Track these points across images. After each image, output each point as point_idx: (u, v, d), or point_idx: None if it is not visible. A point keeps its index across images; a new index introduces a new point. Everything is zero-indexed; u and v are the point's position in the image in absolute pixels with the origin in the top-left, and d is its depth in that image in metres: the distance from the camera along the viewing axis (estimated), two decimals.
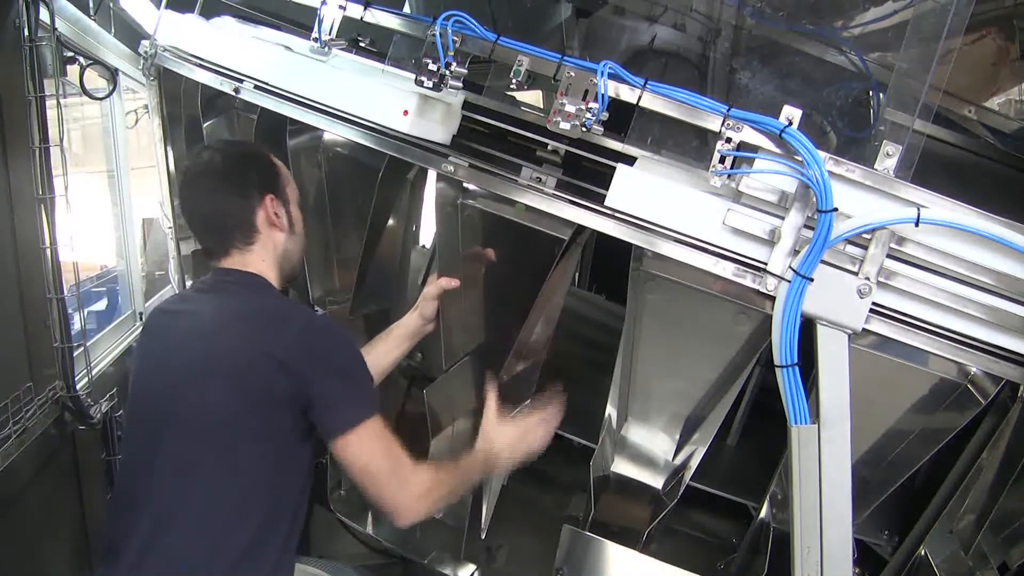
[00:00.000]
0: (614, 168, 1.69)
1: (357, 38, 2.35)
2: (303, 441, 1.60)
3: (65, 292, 2.22)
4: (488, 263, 2.04)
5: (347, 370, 1.60)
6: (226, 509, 1.52)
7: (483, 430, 1.83)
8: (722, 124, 1.60)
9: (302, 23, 2.32)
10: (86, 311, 2.52)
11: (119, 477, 1.81)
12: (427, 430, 2.11)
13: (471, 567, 2.27)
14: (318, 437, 1.61)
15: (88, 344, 2.47)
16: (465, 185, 1.91)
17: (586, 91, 1.67)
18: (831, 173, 1.51)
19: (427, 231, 2.83)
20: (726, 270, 1.63)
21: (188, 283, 2.66)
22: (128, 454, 1.70)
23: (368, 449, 1.55)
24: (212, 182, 1.71)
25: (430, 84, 1.78)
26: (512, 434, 1.83)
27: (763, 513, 2.01)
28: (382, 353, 2.03)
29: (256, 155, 1.77)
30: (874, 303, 1.56)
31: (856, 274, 1.55)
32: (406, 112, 1.85)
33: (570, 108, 1.67)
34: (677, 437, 2.05)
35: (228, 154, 1.74)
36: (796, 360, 1.59)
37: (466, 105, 1.92)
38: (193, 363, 1.56)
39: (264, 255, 1.69)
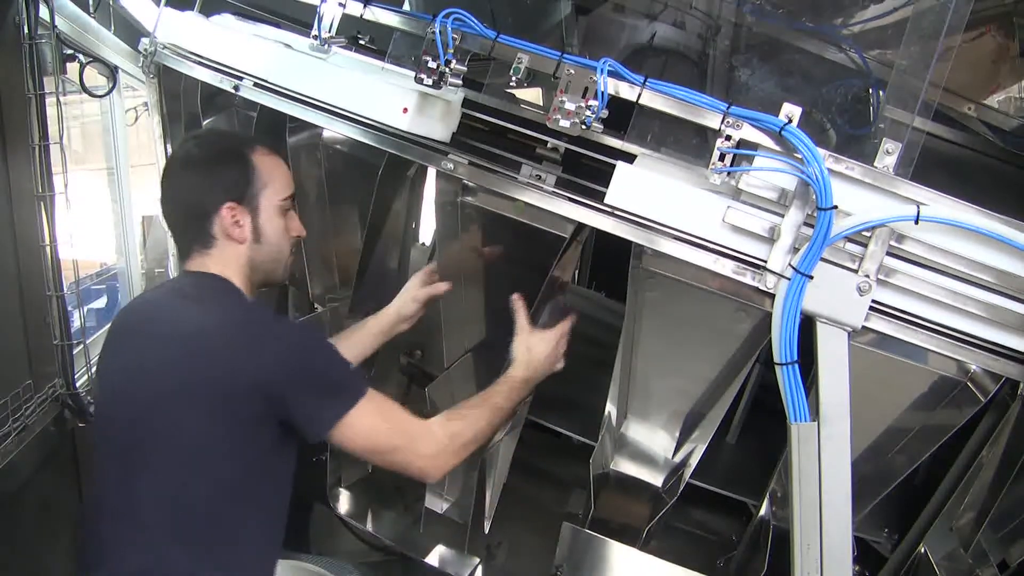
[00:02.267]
0: (614, 166, 1.69)
1: (357, 36, 2.35)
2: (281, 450, 1.57)
3: (65, 290, 2.22)
4: (488, 261, 2.04)
5: (322, 375, 1.55)
6: (204, 526, 1.49)
7: (522, 340, 1.82)
8: (722, 122, 1.60)
9: (302, 21, 2.32)
10: (86, 309, 2.52)
11: (94, 489, 1.70)
12: None
13: (473, 562, 2.28)
14: (301, 441, 1.58)
15: (88, 342, 2.47)
16: (465, 183, 1.91)
17: (586, 88, 1.67)
18: (831, 171, 1.51)
19: (427, 229, 2.83)
20: (726, 267, 1.63)
21: None
22: (100, 471, 1.62)
23: (364, 432, 1.53)
24: (179, 177, 1.64)
25: (430, 82, 1.78)
26: (551, 339, 1.83)
27: (763, 511, 2.01)
28: (353, 345, 1.99)
29: (230, 155, 1.64)
30: (874, 301, 1.56)
31: (856, 272, 1.55)
32: (406, 110, 1.85)
33: (570, 106, 1.67)
34: (677, 435, 2.05)
35: (202, 149, 1.66)
36: (796, 358, 1.59)
37: (466, 103, 1.92)
38: (162, 386, 1.49)
39: (224, 263, 1.61)
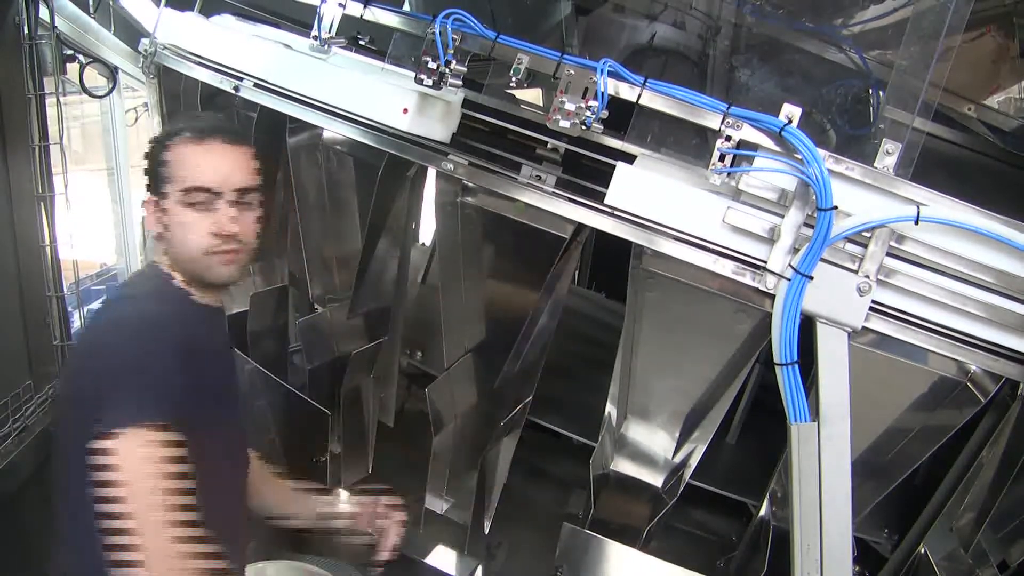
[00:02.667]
0: (614, 166, 1.69)
1: (357, 36, 2.35)
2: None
3: (65, 290, 2.22)
4: (488, 261, 2.03)
5: (103, 372, 1.31)
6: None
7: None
8: (722, 122, 1.60)
9: (302, 21, 2.32)
10: (86, 309, 2.52)
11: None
12: (429, 428, 2.11)
13: (473, 562, 2.27)
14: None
15: None
16: (465, 183, 1.91)
17: (586, 89, 1.67)
18: (831, 171, 1.51)
19: (427, 229, 2.83)
20: (726, 268, 1.63)
21: None
22: None
23: (119, 464, 1.23)
24: None
25: (430, 82, 1.78)
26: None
27: (763, 511, 2.01)
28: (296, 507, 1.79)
29: (151, 148, 1.51)
30: (874, 301, 1.56)
31: (856, 272, 1.55)
32: (406, 110, 1.85)
33: (570, 106, 1.67)
34: (677, 435, 2.06)
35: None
36: (796, 358, 1.59)
37: (466, 103, 1.92)
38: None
39: (160, 253, 1.51)
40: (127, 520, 1.22)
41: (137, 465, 1.24)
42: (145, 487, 1.24)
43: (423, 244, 2.88)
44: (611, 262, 2.06)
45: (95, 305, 1.55)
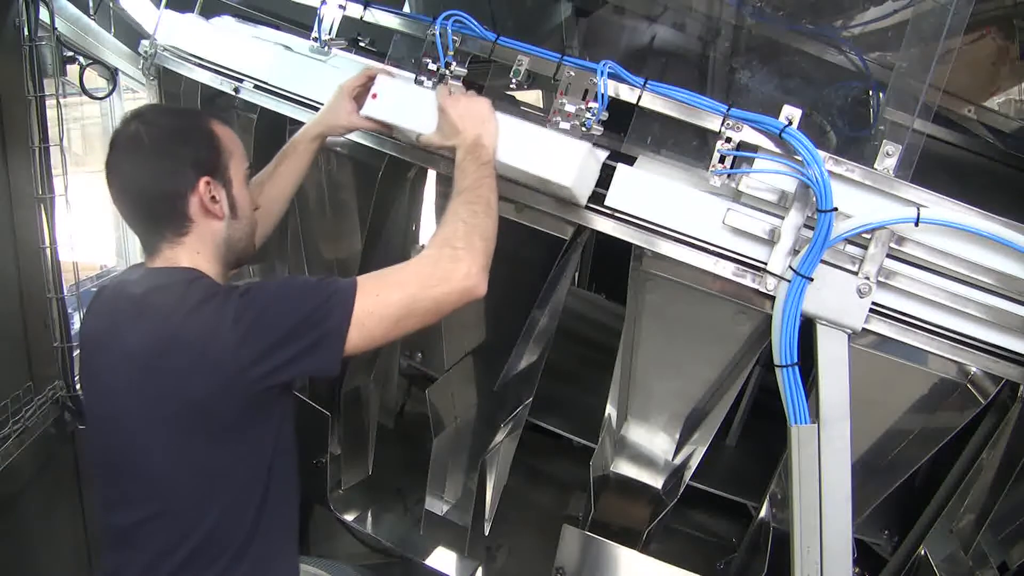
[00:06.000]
0: (614, 168, 1.69)
1: (357, 38, 2.35)
2: (271, 456, 1.46)
3: (65, 292, 2.23)
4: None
5: (294, 319, 1.35)
6: (203, 545, 1.42)
7: (449, 113, 1.61)
8: (722, 124, 1.60)
9: (302, 23, 2.32)
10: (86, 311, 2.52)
11: (97, 513, 1.59)
12: (429, 430, 2.11)
13: (473, 564, 2.27)
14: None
15: None
16: None
17: (586, 91, 1.67)
18: (831, 173, 1.51)
19: (427, 230, 2.83)
20: (726, 270, 1.63)
21: None
22: (98, 495, 1.54)
23: (376, 320, 1.37)
24: (136, 165, 1.43)
25: (430, 84, 1.78)
26: (469, 97, 1.64)
27: (763, 513, 2.01)
28: (284, 174, 1.81)
29: (191, 127, 1.48)
30: (874, 303, 1.56)
31: (856, 274, 1.55)
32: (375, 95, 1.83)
33: (570, 108, 1.67)
34: (677, 437, 2.05)
35: (157, 128, 1.45)
36: (796, 360, 1.59)
37: None
38: (134, 409, 1.39)
39: (199, 247, 1.46)
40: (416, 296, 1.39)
41: (378, 286, 1.40)
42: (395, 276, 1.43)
43: (423, 246, 2.87)
44: (611, 264, 2.06)
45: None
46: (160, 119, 1.50)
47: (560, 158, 1.63)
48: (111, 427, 1.45)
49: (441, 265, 1.39)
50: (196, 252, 1.46)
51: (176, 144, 1.44)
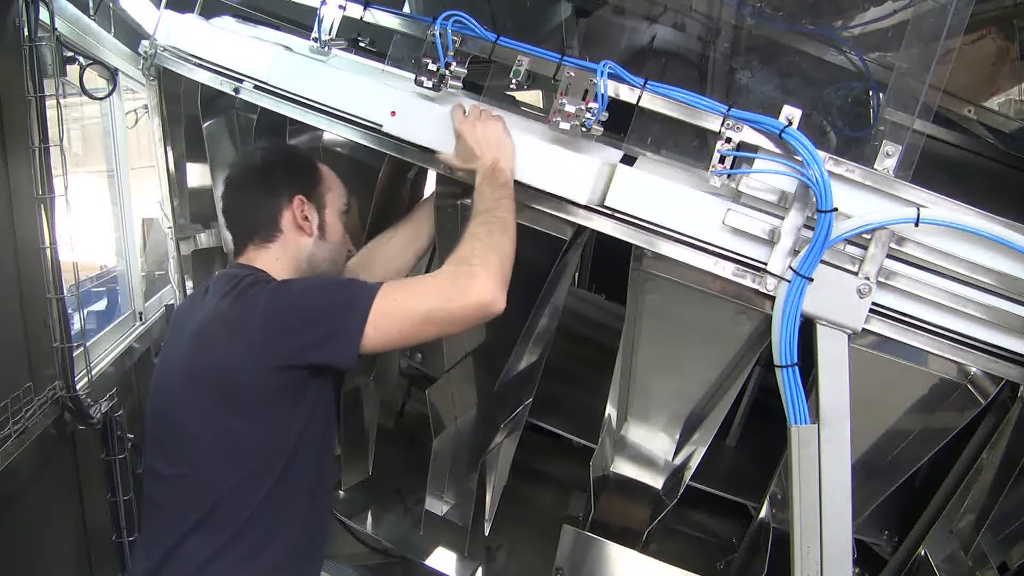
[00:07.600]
0: (614, 168, 1.69)
1: (357, 38, 2.35)
2: (303, 436, 1.58)
3: (65, 292, 2.22)
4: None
5: (315, 309, 1.50)
6: (224, 515, 1.55)
7: (465, 137, 1.66)
8: (722, 124, 1.60)
9: (302, 23, 2.32)
10: (86, 311, 2.53)
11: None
12: (429, 430, 2.11)
13: (473, 564, 2.27)
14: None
15: (88, 344, 2.47)
16: (465, 184, 1.91)
17: (586, 91, 1.67)
18: (831, 173, 1.51)
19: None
20: (726, 270, 1.63)
21: (188, 283, 2.66)
22: (145, 468, 1.71)
23: (390, 323, 1.48)
24: (245, 177, 1.74)
25: (430, 84, 1.78)
26: (484, 118, 1.68)
27: (763, 513, 2.01)
28: (405, 239, 2.04)
29: (297, 157, 1.79)
30: (874, 303, 1.56)
31: (856, 274, 1.55)
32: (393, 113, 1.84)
33: (570, 108, 1.67)
34: (677, 437, 2.05)
35: (269, 153, 1.78)
36: (796, 360, 1.59)
37: None
38: (178, 380, 1.57)
39: (280, 255, 1.68)
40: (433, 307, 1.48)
41: (400, 302, 1.49)
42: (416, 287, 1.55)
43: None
44: (611, 264, 2.06)
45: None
46: (272, 147, 1.84)
47: (573, 176, 1.67)
48: (164, 391, 1.62)
49: (459, 281, 1.47)
50: (275, 259, 1.67)
51: (283, 166, 1.72)
